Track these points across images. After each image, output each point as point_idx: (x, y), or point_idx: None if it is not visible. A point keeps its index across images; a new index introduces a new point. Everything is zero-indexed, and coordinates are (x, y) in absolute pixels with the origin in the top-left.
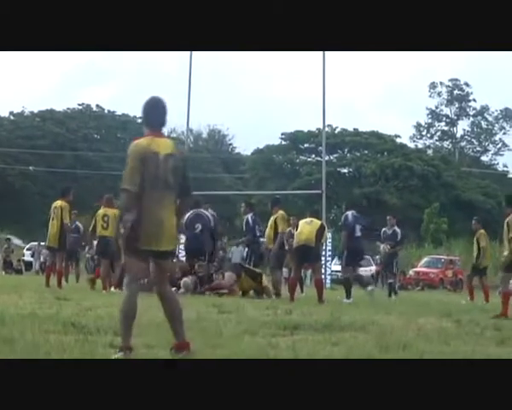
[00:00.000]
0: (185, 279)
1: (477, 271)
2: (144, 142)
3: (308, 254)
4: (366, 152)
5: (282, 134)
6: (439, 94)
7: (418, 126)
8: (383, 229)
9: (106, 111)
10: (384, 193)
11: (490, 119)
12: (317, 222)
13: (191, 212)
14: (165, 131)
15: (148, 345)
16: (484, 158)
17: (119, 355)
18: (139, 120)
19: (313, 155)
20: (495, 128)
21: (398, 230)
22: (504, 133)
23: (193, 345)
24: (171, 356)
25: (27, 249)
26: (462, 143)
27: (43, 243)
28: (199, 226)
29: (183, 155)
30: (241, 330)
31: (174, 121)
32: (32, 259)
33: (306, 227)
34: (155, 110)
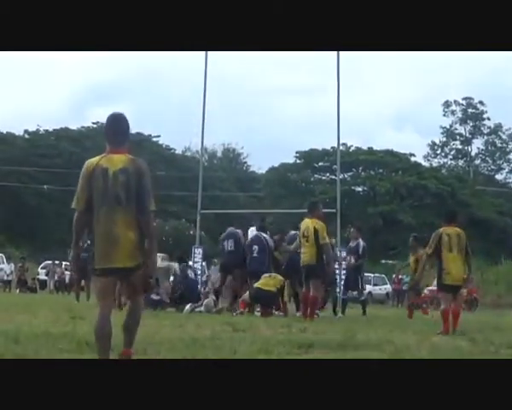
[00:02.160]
0: (207, 300)
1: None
2: (95, 159)
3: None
4: (381, 171)
5: (297, 152)
6: (453, 113)
7: (433, 145)
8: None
9: None
10: (399, 212)
11: (504, 137)
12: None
13: (254, 234)
14: (128, 146)
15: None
16: (498, 176)
17: None
18: (154, 139)
19: (328, 174)
20: (509, 146)
21: (361, 243)
22: None
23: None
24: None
25: (42, 268)
26: (477, 162)
27: (57, 262)
28: (256, 248)
29: (139, 170)
30: (255, 349)
31: (189, 140)
32: (46, 277)
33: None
34: (111, 127)
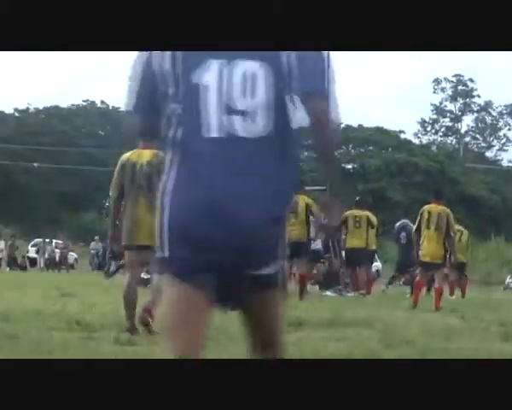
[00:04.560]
0: None
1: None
2: (128, 154)
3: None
4: (371, 148)
5: None
6: (443, 90)
7: (423, 122)
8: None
9: (110, 107)
10: (389, 189)
11: (494, 114)
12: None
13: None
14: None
15: (154, 341)
16: (488, 154)
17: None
18: None
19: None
20: (499, 124)
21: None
22: (509, 129)
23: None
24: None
25: (32, 246)
26: (467, 139)
27: (47, 240)
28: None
29: (162, 163)
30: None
31: None
32: (36, 255)
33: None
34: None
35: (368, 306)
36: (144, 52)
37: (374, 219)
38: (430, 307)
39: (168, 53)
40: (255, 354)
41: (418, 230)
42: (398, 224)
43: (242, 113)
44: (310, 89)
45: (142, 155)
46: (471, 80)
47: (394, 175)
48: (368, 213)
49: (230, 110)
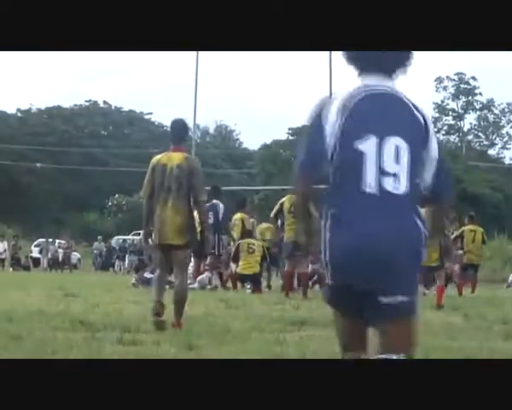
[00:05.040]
0: (201, 276)
1: None
2: (159, 156)
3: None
4: None
5: (290, 129)
6: (445, 88)
7: None
8: None
9: (113, 107)
10: None
11: (496, 112)
12: None
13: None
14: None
15: (157, 341)
16: (491, 152)
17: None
18: (146, 116)
19: None
20: (502, 121)
21: None
22: (511, 127)
23: (200, 341)
24: (178, 351)
25: (35, 246)
26: (469, 137)
27: (50, 240)
28: None
29: (191, 166)
30: (248, 326)
31: (181, 117)
32: (39, 256)
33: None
34: (173, 129)
35: None
36: (319, 104)
37: None
38: (433, 306)
39: (334, 120)
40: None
41: None
42: None
43: (393, 175)
44: (440, 198)
45: (173, 158)
46: (473, 78)
47: None
48: None
49: (384, 172)
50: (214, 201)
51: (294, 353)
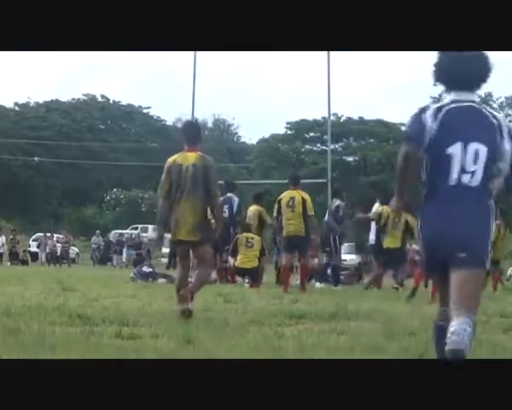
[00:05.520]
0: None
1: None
2: (174, 157)
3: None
4: (372, 140)
5: (287, 123)
6: None
7: None
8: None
9: (111, 101)
10: (390, 181)
11: (494, 106)
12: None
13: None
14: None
15: (155, 335)
16: None
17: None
18: (144, 111)
19: (318, 144)
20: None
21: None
22: (510, 121)
23: (198, 335)
24: (176, 345)
25: (33, 240)
26: None
27: (48, 234)
28: None
29: (205, 166)
30: (246, 319)
31: (179, 111)
32: (37, 250)
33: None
34: (186, 131)
35: (370, 299)
36: (420, 110)
37: None
38: (433, 300)
39: (430, 125)
40: (445, 308)
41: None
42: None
43: (471, 172)
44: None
45: (188, 158)
46: None
47: (394, 168)
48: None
49: (464, 171)
50: (229, 194)
51: (293, 346)
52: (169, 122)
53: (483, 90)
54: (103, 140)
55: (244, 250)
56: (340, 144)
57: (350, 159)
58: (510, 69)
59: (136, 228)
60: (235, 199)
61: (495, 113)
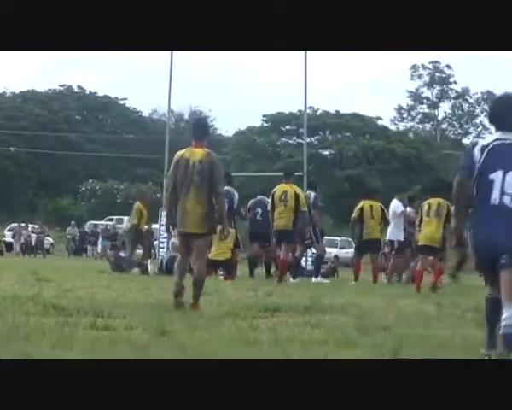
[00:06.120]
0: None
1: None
2: (182, 151)
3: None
4: (348, 134)
5: (264, 116)
6: (420, 76)
7: (400, 109)
8: None
9: (87, 92)
10: (366, 175)
11: (471, 101)
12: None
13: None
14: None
15: (130, 326)
16: (465, 141)
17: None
18: (120, 102)
19: (294, 137)
20: (476, 111)
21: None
22: (486, 116)
23: (173, 327)
24: (150, 336)
25: (8, 230)
26: (444, 126)
27: (23, 224)
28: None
29: (211, 161)
30: (221, 312)
31: (156, 102)
32: (12, 240)
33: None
34: (194, 127)
35: (344, 292)
36: (471, 146)
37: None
38: (406, 294)
39: (479, 157)
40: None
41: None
42: (252, 201)
43: (510, 195)
44: None
45: (195, 154)
46: (448, 67)
47: (371, 161)
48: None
49: (504, 193)
50: (227, 188)
51: (267, 339)
52: (145, 114)
53: (460, 85)
54: (79, 131)
55: (217, 242)
56: (316, 138)
57: (326, 152)
58: (487, 65)
59: (112, 219)
60: (235, 194)
61: None
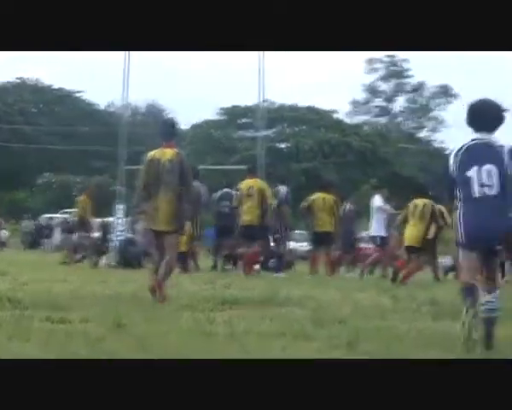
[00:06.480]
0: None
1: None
2: (152, 152)
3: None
4: (304, 127)
5: (221, 109)
6: (376, 70)
7: (355, 102)
8: None
9: (43, 85)
10: (322, 169)
11: (427, 95)
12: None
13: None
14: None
15: (85, 320)
16: (421, 134)
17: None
18: (76, 94)
19: (251, 130)
20: (432, 105)
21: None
22: (441, 110)
23: (130, 319)
24: (106, 329)
25: None
26: (399, 120)
27: None
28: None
29: (180, 160)
30: (179, 304)
31: (112, 95)
32: None
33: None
34: (162, 128)
35: (301, 285)
36: (455, 149)
37: None
38: (362, 287)
39: (454, 160)
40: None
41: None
42: (219, 193)
43: (488, 186)
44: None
45: (165, 154)
46: (404, 61)
47: (327, 155)
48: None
49: (483, 185)
50: (194, 183)
51: (224, 332)
52: (101, 107)
53: (416, 79)
54: (35, 123)
55: None
56: (272, 131)
57: (282, 145)
58: (442, 59)
59: (67, 212)
60: (203, 188)
61: (501, 143)
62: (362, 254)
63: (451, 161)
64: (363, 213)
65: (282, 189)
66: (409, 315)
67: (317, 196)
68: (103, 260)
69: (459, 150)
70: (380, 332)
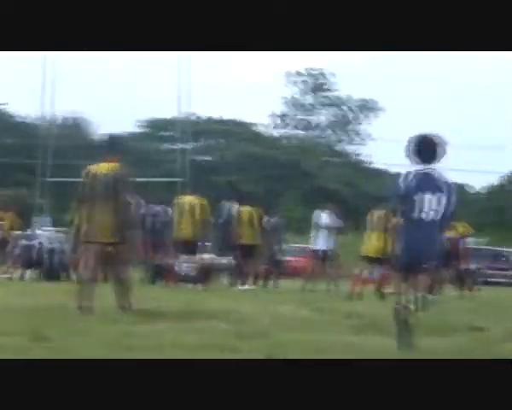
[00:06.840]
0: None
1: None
2: (91, 166)
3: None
4: (229, 140)
5: (143, 121)
6: (297, 83)
7: (277, 115)
8: None
9: None
10: (246, 182)
11: (352, 108)
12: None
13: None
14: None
15: (6, 332)
16: (344, 147)
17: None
18: (0, 107)
19: (176, 143)
20: (356, 118)
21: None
22: (361, 123)
23: (50, 332)
24: (29, 342)
25: None
26: (323, 133)
27: None
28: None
29: (119, 174)
30: (103, 317)
31: (38, 108)
32: None
33: None
34: (106, 143)
35: (224, 299)
36: (402, 176)
37: None
38: (285, 300)
39: (404, 184)
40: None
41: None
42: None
43: (434, 211)
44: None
45: (102, 167)
46: (327, 74)
47: (250, 168)
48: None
49: (430, 209)
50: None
51: (148, 344)
52: (28, 120)
53: (338, 93)
54: None
55: None
56: (197, 143)
57: (207, 158)
58: (367, 73)
59: None
60: (142, 202)
61: (443, 175)
62: (290, 267)
63: (401, 184)
64: (288, 225)
65: (235, 206)
66: (331, 328)
67: (242, 209)
68: (27, 273)
69: (408, 176)
70: (301, 345)
